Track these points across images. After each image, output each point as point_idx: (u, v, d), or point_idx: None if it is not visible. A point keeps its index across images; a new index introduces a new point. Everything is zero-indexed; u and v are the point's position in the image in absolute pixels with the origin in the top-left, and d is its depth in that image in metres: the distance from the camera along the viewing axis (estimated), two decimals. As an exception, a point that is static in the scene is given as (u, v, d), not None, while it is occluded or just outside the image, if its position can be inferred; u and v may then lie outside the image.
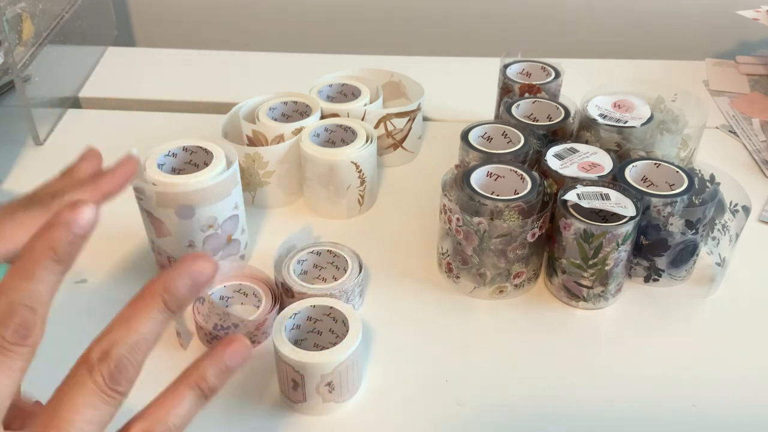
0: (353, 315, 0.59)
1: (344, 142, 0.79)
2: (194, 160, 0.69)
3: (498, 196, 0.65)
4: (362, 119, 0.83)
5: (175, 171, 0.69)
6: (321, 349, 0.56)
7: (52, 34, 0.96)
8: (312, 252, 0.69)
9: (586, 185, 0.67)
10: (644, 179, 0.70)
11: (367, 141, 0.77)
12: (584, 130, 0.77)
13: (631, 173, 0.69)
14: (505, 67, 0.87)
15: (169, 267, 0.67)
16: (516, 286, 0.69)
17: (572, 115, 0.79)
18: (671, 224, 0.66)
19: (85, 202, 0.33)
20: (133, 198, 0.66)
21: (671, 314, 0.68)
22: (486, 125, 0.77)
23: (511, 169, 0.69)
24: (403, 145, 0.88)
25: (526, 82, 0.84)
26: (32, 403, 0.58)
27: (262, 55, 1.15)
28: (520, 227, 0.64)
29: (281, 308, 0.64)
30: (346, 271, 0.67)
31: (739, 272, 0.72)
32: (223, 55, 1.14)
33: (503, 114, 0.80)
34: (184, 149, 0.69)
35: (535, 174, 0.68)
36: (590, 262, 0.64)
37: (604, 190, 0.66)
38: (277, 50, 1.17)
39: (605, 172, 0.69)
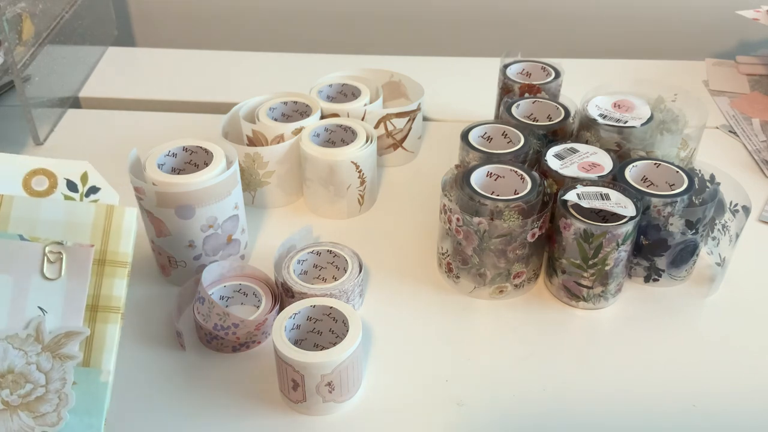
0: (353, 315, 0.59)
1: (344, 142, 0.79)
2: (194, 160, 0.69)
3: (498, 196, 0.65)
4: (362, 119, 0.83)
5: (175, 171, 0.69)
6: (321, 349, 0.56)
7: (52, 34, 0.96)
8: (312, 252, 0.69)
9: (586, 185, 0.67)
10: (644, 179, 0.70)
11: (367, 141, 0.77)
12: (584, 130, 0.77)
13: (631, 173, 0.69)
14: (505, 67, 0.87)
15: (169, 267, 0.68)
16: (516, 286, 0.69)
17: (572, 115, 0.79)
18: (671, 224, 0.66)
19: None
20: (133, 198, 0.66)
21: (671, 314, 0.68)
22: (486, 125, 0.77)
23: (511, 169, 0.69)
24: (403, 145, 0.88)
25: (526, 82, 0.84)
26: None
27: (262, 55, 1.15)
28: (520, 227, 0.64)
29: (281, 308, 0.64)
30: (346, 271, 0.67)
31: (739, 272, 0.72)
32: (223, 55, 1.14)
33: (503, 114, 0.80)
34: (184, 149, 0.69)
35: (535, 174, 0.68)
36: (590, 262, 0.64)
37: (604, 190, 0.66)
38: (277, 50, 1.17)
39: (605, 172, 0.69)
